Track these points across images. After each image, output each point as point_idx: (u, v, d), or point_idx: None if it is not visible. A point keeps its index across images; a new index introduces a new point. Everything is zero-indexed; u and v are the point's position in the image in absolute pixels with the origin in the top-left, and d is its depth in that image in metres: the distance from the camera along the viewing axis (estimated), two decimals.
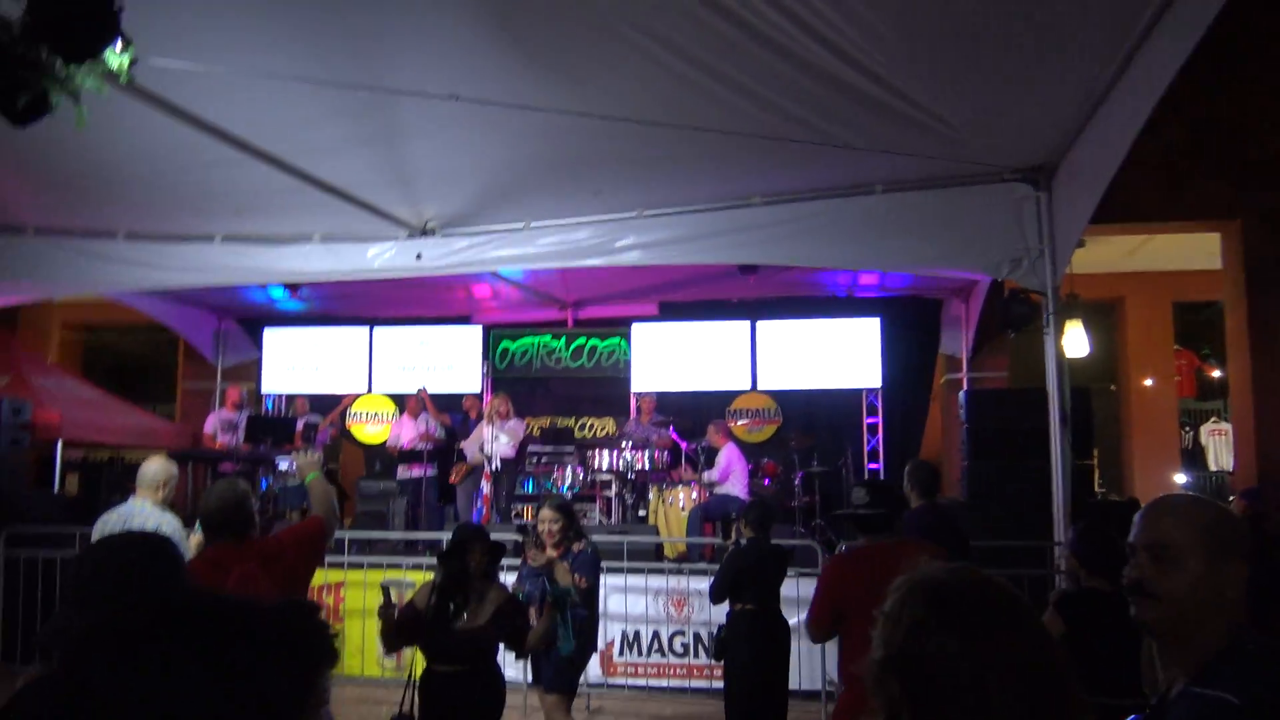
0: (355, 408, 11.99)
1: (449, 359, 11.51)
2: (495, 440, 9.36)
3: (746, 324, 11.09)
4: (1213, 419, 15.20)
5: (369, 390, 11.63)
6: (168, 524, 5.11)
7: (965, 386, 10.69)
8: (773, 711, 5.41)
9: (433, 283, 10.96)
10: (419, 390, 10.63)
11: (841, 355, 10.82)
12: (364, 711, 7.39)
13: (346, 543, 8.05)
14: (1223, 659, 1.59)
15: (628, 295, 11.45)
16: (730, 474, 9.10)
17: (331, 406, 11.36)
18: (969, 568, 1.35)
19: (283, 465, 9.54)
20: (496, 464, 9.49)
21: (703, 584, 7.66)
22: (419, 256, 7.58)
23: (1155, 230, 11.72)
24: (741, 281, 10.65)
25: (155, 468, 5.15)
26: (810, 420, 11.14)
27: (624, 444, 9.69)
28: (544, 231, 7.43)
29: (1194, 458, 15.21)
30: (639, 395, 10.51)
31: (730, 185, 7.07)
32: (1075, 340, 12.39)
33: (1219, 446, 14.71)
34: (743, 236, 7.17)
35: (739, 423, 11.15)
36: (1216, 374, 14.85)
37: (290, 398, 11.48)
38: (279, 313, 12.01)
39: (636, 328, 11.29)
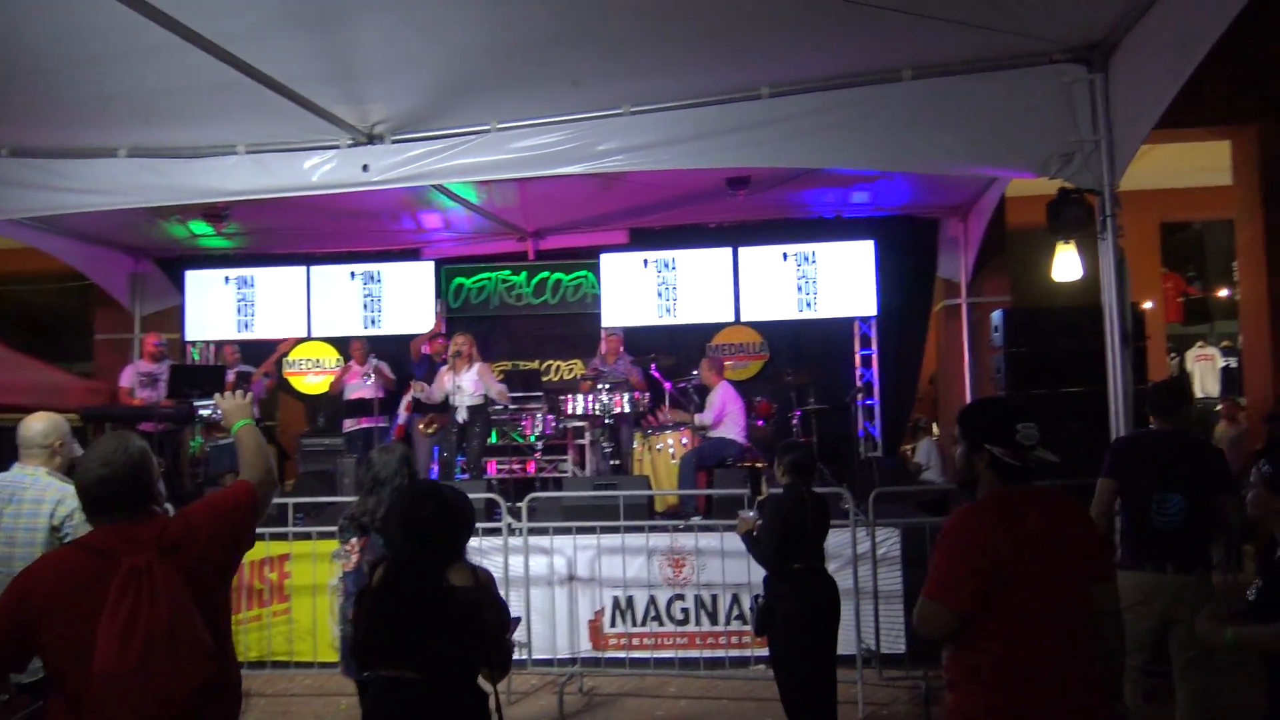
0: (293, 356, 10.77)
1: (399, 298, 10.32)
2: (457, 390, 8.26)
3: (728, 250, 10.04)
4: (1198, 344, 14.61)
5: (308, 336, 10.41)
6: (69, 498, 3.98)
7: (965, 311, 9.89)
8: (830, 686, 4.56)
9: (375, 212, 9.82)
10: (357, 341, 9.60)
11: (834, 282, 9.86)
12: (318, 706, 6.35)
13: (290, 509, 6.95)
14: None
15: (594, 222, 10.34)
16: (725, 415, 8.14)
17: (266, 355, 10.13)
18: None
19: (204, 411, 8.35)
20: (463, 414, 8.41)
21: (705, 540, 6.76)
22: (365, 168, 6.40)
23: (1158, 139, 10.85)
24: (720, 204, 9.66)
25: (40, 426, 4.01)
26: (798, 354, 10.23)
27: (599, 386, 8.66)
28: (514, 134, 6.29)
29: None
30: (606, 332, 9.44)
31: (733, 74, 6.00)
32: (1067, 263, 11.67)
33: (1204, 372, 14.13)
34: (749, 136, 6.11)
35: (722, 359, 10.19)
36: (1215, 294, 14.28)
37: (218, 345, 10.22)
38: (201, 251, 10.71)
39: (605, 258, 10.21)
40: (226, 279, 10.49)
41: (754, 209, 9.92)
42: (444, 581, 2.84)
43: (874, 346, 10.08)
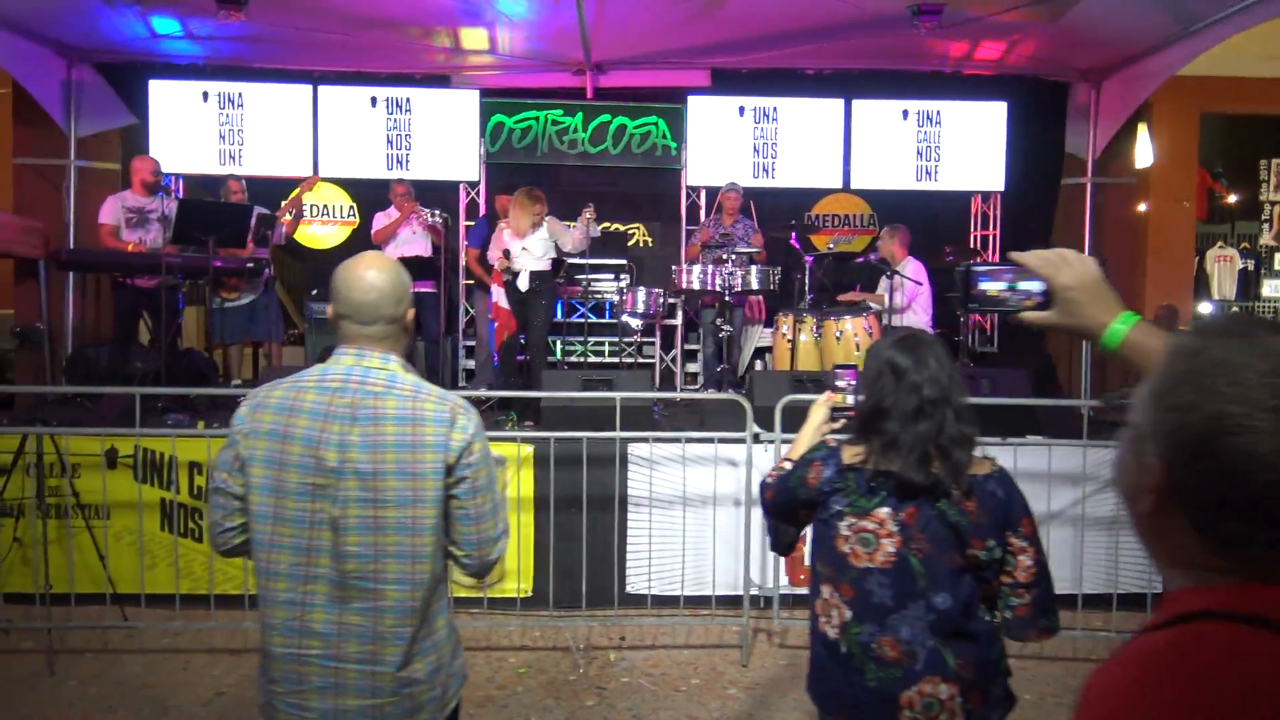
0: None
1: (432, 135, 8.30)
2: (523, 253, 6.51)
3: (839, 103, 8.49)
4: (1219, 244, 14.04)
5: (315, 174, 8.26)
6: (463, 413, 2.17)
7: (1090, 192, 8.71)
8: None
9: (400, 22, 7.75)
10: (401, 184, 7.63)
11: (959, 148, 8.49)
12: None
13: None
14: None
15: (670, 57, 8.51)
16: (916, 297, 6.71)
17: (265, 194, 7.90)
18: None
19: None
20: (525, 283, 6.65)
21: None
22: None
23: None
24: (828, 46, 8.05)
25: (383, 281, 2.12)
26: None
27: (724, 254, 7.06)
28: None
29: (1198, 285, 14.11)
30: (726, 187, 7.73)
31: None
32: (1144, 148, 10.66)
33: (1223, 274, 13.62)
34: None
35: (825, 232, 8.71)
36: (1233, 198, 13.64)
37: (217, 179, 7.90)
38: (159, 58, 8.29)
39: (694, 101, 8.45)
40: (205, 95, 8.20)
41: (865, 55, 8.35)
42: None
43: (995, 228, 8.79)
